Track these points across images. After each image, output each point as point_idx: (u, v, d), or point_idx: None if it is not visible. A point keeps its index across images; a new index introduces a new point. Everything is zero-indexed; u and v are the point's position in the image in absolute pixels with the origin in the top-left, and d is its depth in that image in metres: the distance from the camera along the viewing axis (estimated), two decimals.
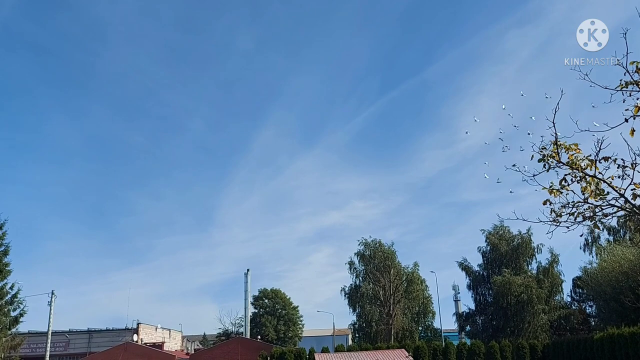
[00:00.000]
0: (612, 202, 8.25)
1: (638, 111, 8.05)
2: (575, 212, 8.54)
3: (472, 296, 58.92)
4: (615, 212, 8.45)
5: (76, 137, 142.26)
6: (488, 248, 58.18)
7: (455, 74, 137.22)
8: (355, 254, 61.30)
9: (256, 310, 77.07)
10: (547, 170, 8.37)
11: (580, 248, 56.08)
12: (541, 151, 8.47)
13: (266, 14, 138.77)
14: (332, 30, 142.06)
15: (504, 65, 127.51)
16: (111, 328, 65.03)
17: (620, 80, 8.05)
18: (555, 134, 8.25)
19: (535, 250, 56.53)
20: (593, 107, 8.77)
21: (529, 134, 8.88)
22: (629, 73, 7.98)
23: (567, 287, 57.80)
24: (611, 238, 52.97)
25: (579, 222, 8.55)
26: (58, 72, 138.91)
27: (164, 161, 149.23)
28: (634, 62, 7.90)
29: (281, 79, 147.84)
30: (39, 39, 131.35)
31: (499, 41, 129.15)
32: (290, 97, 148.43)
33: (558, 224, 8.54)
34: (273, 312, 76.72)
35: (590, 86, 8.24)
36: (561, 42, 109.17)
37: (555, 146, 8.30)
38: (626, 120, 8.05)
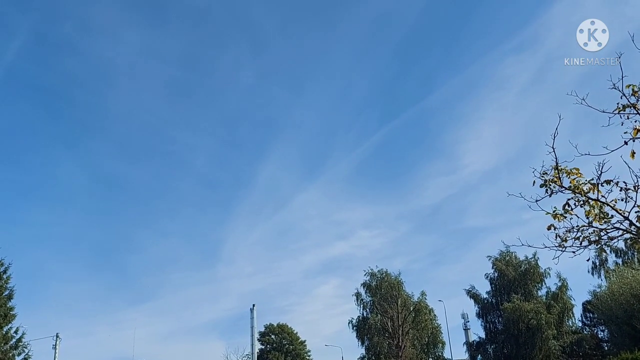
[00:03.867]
0: (617, 225, 8.20)
1: (637, 133, 8.10)
2: (581, 236, 8.49)
3: (481, 324, 58.15)
4: (620, 235, 8.40)
5: (81, 177, 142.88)
6: (495, 274, 57.64)
7: (455, 101, 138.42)
8: (361, 284, 60.82)
9: (263, 347, 75.93)
10: (550, 195, 8.37)
11: (589, 271, 55.55)
12: (542, 176, 8.48)
13: (267, 49, 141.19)
14: (331, 64, 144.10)
15: (503, 91, 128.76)
16: None
17: (617, 103, 8.12)
18: (556, 158, 8.28)
19: (544, 275, 56.01)
20: (600, 127, 8.83)
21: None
22: (626, 96, 8.05)
23: (577, 311, 57.09)
24: (619, 260, 52.47)
25: (585, 246, 8.50)
26: (63, 112, 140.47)
27: (169, 198, 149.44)
28: (630, 85, 7.99)
29: (283, 112, 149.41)
30: (43, 81, 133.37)
31: (497, 68, 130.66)
32: (293, 130, 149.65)
33: (564, 249, 8.49)
34: (280, 348, 75.53)
35: (588, 108, 8.30)
36: (557, 67, 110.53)
37: (557, 171, 8.31)
38: (625, 143, 8.08)
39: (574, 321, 55.44)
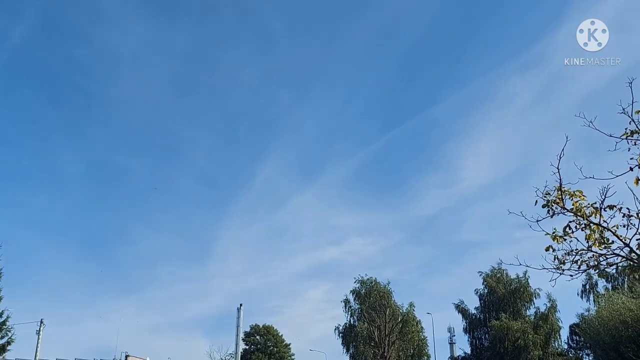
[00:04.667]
0: (617, 251, 8.09)
1: None
2: (579, 260, 8.38)
3: (468, 340, 58.07)
4: (620, 262, 8.29)
5: (79, 164, 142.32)
6: (485, 291, 57.58)
7: (457, 115, 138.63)
8: (351, 291, 60.65)
9: (247, 347, 75.57)
10: (551, 217, 8.25)
11: (578, 294, 55.60)
12: (545, 196, 8.37)
13: (273, 50, 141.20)
14: (336, 68, 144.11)
15: (506, 109, 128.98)
16: (98, 359, 63.61)
17: (626, 128, 8.03)
18: (560, 179, 8.16)
19: (533, 295, 55.99)
20: (606, 151, 8.74)
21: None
22: (634, 122, 7.96)
23: (564, 333, 57.10)
24: (609, 286, 52.45)
25: (583, 270, 8.39)
26: (65, 99, 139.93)
27: (165, 191, 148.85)
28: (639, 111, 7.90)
29: (285, 113, 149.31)
30: (47, 66, 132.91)
31: (501, 85, 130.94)
32: (293, 132, 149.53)
33: (562, 271, 8.37)
34: (264, 350, 75.18)
35: (595, 131, 8.20)
36: (562, 88, 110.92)
37: (560, 192, 8.20)
38: (631, 169, 7.99)
39: (560, 343, 55.47)
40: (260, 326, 77.33)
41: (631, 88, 7.84)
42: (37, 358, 46.91)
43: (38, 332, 45.94)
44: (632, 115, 7.94)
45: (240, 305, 72.71)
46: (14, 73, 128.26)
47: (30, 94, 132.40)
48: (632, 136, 8.00)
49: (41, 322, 46.00)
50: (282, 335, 77.67)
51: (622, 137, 8.10)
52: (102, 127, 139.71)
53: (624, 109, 8.02)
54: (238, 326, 71.43)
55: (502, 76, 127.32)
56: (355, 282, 60.45)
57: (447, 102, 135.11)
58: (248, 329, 76.46)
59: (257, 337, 76.66)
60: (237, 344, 70.58)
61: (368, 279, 60.26)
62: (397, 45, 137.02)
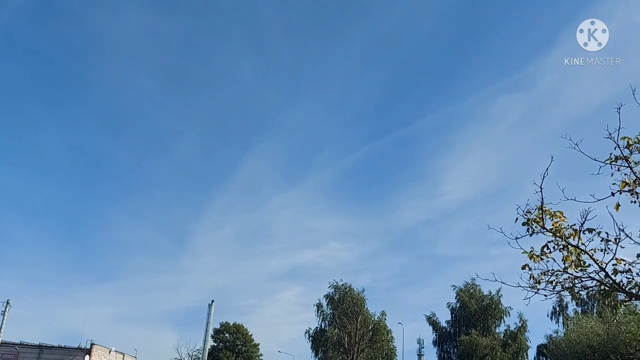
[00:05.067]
0: (593, 274, 8.10)
1: (624, 187, 8.04)
2: (555, 280, 8.37)
3: (437, 352, 58.30)
4: (594, 286, 8.30)
5: (61, 147, 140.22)
6: (458, 305, 57.91)
7: (445, 129, 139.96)
8: (324, 296, 60.53)
9: (215, 344, 74.97)
10: (531, 235, 8.24)
11: (548, 315, 56.16)
12: (526, 215, 8.36)
13: (268, 49, 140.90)
14: (330, 73, 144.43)
15: (493, 126, 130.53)
16: (64, 345, 62.41)
17: (610, 154, 8.07)
18: (542, 199, 8.16)
19: (504, 313, 56.46)
20: (589, 175, 8.76)
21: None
22: (619, 148, 8.00)
23: (531, 353, 57.60)
24: (579, 309, 53.11)
25: (558, 291, 8.38)
26: (52, 79, 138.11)
27: (146, 180, 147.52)
28: (625, 137, 7.94)
29: (275, 113, 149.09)
30: (37, 44, 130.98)
31: (490, 103, 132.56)
32: (281, 132, 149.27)
33: (537, 290, 8.36)
34: (232, 348, 74.66)
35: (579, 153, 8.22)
36: (549, 110, 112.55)
37: (541, 211, 8.20)
38: (612, 194, 8.02)
39: None
40: (231, 324, 76.86)
41: (619, 114, 7.88)
42: (0, 339, 45.92)
43: (3, 313, 45.02)
44: (617, 141, 7.99)
45: (212, 301, 72.16)
46: (2, 48, 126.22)
47: (16, 71, 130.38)
48: (616, 162, 8.04)
49: (7, 302, 45.09)
50: (251, 335, 77.34)
51: (606, 162, 8.13)
52: (88, 110, 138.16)
53: (610, 134, 8.06)
54: (208, 322, 70.83)
55: (492, 94, 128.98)
56: (329, 286, 60.45)
57: (436, 116, 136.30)
58: (218, 326, 75.96)
59: (227, 334, 76.13)
60: (205, 340, 69.96)
61: (342, 285, 60.28)
62: (392, 55, 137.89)
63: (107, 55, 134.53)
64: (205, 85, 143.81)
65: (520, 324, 54.78)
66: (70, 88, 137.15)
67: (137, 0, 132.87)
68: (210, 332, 72.01)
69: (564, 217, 8.17)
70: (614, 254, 7.90)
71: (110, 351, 64.77)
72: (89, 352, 59.30)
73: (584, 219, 7.90)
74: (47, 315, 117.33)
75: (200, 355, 69.85)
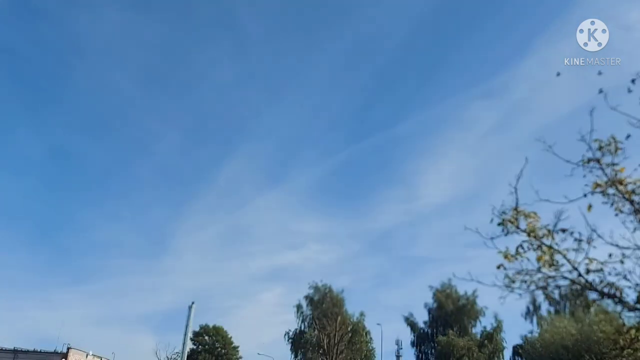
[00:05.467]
0: (566, 274, 8.28)
1: (596, 188, 8.25)
2: (529, 279, 8.53)
3: (415, 353, 58.73)
4: (567, 285, 8.48)
5: (38, 147, 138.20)
6: (435, 305, 58.45)
7: (421, 134, 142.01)
8: (304, 297, 60.48)
9: (195, 347, 74.30)
10: (506, 235, 8.39)
11: (522, 315, 56.88)
12: (501, 215, 8.51)
13: (248, 52, 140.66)
14: (309, 77, 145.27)
15: (467, 132, 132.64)
16: (39, 350, 61.26)
17: (583, 155, 8.26)
18: (517, 199, 8.32)
19: (479, 313, 57.13)
20: (562, 177, 8.95)
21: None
22: (592, 150, 8.20)
23: (507, 353, 58.31)
24: (552, 309, 53.95)
25: (532, 290, 8.54)
26: (27, 78, 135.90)
27: (125, 182, 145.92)
28: (597, 140, 8.14)
29: (254, 116, 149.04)
30: (11, 41, 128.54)
31: (465, 109, 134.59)
32: (261, 135, 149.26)
33: (511, 289, 8.50)
34: (212, 350, 74.04)
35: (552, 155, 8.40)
36: (521, 117, 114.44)
37: (515, 212, 8.35)
38: (585, 196, 8.22)
39: None
40: (210, 326, 76.21)
41: (591, 117, 8.09)
42: None
43: None
44: (590, 143, 8.19)
45: (192, 303, 71.69)
46: None
47: None
48: (589, 163, 8.24)
49: None
50: (231, 337, 76.75)
51: (578, 164, 8.33)
52: (64, 109, 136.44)
53: (582, 137, 8.26)
54: (187, 325, 70.37)
55: (466, 101, 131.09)
56: (309, 287, 60.39)
57: (412, 121, 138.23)
58: (197, 329, 75.30)
59: (206, 337, 75.46)
60: (184, 343, 69.47)
61: (322, 285, 60.30)
62: (370, 61, 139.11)
63: (87, 56, 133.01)
64: (186, 87, 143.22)
65: (495, 325, 55.57)
66: (48, 88, 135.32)
67: (117, 0, 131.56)
68: (190, 334, 71.42)
69: (538, 217, 8.34)
70: (586, 254, 8.10)
71: (87, 355, 63.80)
72: (65, 356, 58.37)
73: (557, 220, 8.08)
74: (22, 318, 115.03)
75: (179, 358, 69.25)
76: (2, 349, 60.18)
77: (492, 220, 8.51)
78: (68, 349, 59.74)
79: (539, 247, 8.33)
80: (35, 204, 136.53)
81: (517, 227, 8.41)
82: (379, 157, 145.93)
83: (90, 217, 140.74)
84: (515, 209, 8.40)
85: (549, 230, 8.18)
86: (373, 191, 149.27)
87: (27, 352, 60.48)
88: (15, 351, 59.90)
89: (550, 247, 8.22)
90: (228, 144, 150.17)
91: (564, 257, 8.20)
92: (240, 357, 77.09)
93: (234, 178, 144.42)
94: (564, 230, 8.14)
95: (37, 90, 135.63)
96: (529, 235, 8.33)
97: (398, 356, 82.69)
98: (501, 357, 55.77)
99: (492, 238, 8.52)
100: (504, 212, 8.51)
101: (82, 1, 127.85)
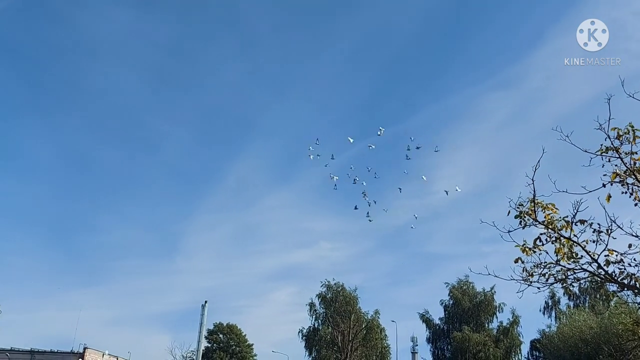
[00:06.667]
0: (585, 266, 8.10)
1: (615, 177, 8.05)
2: (547, 273, 8.37)
3: (430, 350, 58.40)
4: (587, 277, 8.30)
5: (49, 150, 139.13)
6: (451, 302, 58.05)
7: (434, 127, 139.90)
8: (317, 295, 60.40)
9: (209, 345, 74.66)
10: (523, 228, 8.22)
11: (540, 310, 56.43)
12: (518, 207, 8.34)
13: (255, 49, 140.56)
14: (318, 73, 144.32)
15: (482, 124, 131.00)
16: (56, 350, 61.83)
17: (601, 145, 8.07)
18: (534, 191, 8.15)
19: (497, 309, 56.69)
20: (580, 167, 8.75)
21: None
22: (610, 139, 8.00)
23: (524, 348, 57.84)
24: (572, 303, 53.41)
25: (551, 283, 8.38)
26: (39, 82, 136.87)
27: (136, 182, 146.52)
28: (616, 128, 7.94)
29: (263, 113, 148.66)
30: (24, 46, 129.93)
31: (479, 101, 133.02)
32: (270, 132, 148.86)
33: (529, 283, 8.34)
34: (226, 348, 74.37)
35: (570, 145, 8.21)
36: (537, 108, 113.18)
37: (533, 204, 8.18)
38: (604, 186, 8.03)
39: (520, 358, 56.20)
40: (224, 325, 76.52)
41: (609, 105, 7.88)
42: None
43: None
44: (607, 132, 7.99)
45: (205, 302, 71.80)
46: None
47: (3, 74, 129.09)
48: (607, 153, 8.04)
49: None
50: (245, 335, 77.00)
51: (597, 154, 8.13)
52: (76, 112, 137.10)
53: (600, 125, 8.06)
54: (202, 323, 70.48)
55: (480, 92, 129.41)
56: (322, 285, 60.34)
57: (425, 115, 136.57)
58: (211, 327, 75.61)
59: (220, 335, 75.78)
60: (199, 342, 69.61)
61: (335, 284, 60.21)
62: (380, 54, 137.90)
63: (97, 58, 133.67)
64: (193, 86, 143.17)
65: (512, 319, 55.07)
66: (57, 90, 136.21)
67: (123, 0, 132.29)
68: (204, 333, 71.70)
69: (556, 209, 8.17)
70: (606, 245, 7.91)
71: (103, 354, 64.29)
72: (82, 356, 58.81)
73: (575, 211, 7.91)
74: (38, 320, 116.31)
75: (194, 357, 69.56)
76: (19, 350, 60.81)
77: (508, 213, 8.36)
78: (84, 349, 60.22)
79: (558, 239, 8.17)
80: (47, 206, 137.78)
81: (535, 220, 8.25)
82: (390, 152, 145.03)
83: (103, 219, 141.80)
84: (533, 200, 8.24)
85: (567, 222, 8.01)
86: (385, 187, 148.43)
87: (43, 352, 61.05)
88: (32, 352, 60.49)
89: (569, 239, 8.05)
90: (237, 142, 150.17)
91: (583, 249, 8.04)
92: (255, 355, 77.38)
93: (244, 176, 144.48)
94: (582, 222, 7.97)
95: (47, 93, 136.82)
96: (547, 227, 8.17)
97: (414, 353, 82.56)
98: (518, 352, 55.35)
99: (509, 231, 8.38)
100: (521, 205, 8.35)
101: (91, 3, 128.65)
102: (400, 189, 39.45)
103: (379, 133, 38.89)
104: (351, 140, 36.93)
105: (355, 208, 36.75)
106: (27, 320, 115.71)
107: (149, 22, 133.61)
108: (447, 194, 42.04)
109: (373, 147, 36.59)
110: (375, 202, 35.48)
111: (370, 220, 36.68)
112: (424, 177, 41.37)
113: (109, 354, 65.56)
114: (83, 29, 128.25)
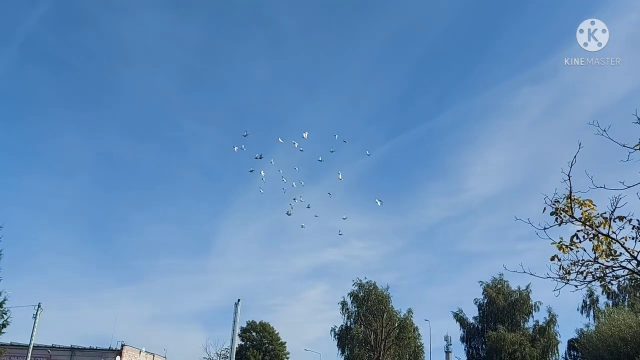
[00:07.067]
0: (624, 264, 7.91)
1: None
2: (585, 271, 8.20)
3: (464, 349, 57.79)
4: (626, 275, 8.11)
5: (85, 152, 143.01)
6: (485, 301, 57.31)
7: (466, 124, 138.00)
8: (348, 294, 60.45)
9: (243, 343, 75.55)
10: (559, 225, 8.07)
11: (578, 309, 55.20)
12: (554, 204, 8.19)
13: (285, 47, 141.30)
14: (347, 70, 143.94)
15: (515, 120, 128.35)
16: (95, 347, 63.55)
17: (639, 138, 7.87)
18: (570, 187, 7.99)
19: (533, 308, 55.70)
20: (618, 162, 8.57)
21: None
22: None
23: (562, 348, 56.70)
24: (610, 302, 52.04)
25: (589, 281, 8.20)
26: (75, 85, 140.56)
27: (170, 183, 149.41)
28: None
29: (293, 112, 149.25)
30: (59, 51, 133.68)
31: (512, 96, 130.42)
32: (300, 130, 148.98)
33: (567, 281, 8.19)
34: (260, 346, 75.13)
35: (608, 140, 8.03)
36: (574, 103, 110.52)
37: (569, 200, 8.02)
38: None
39: (557, 357, 55.11)
40: (257, 323, 77.31)
41: None
42: (33, 342, 46.98)
43: (35, 316, 45.98)
44: None
45: (238, 300, 72.61)
46: (26, 56, 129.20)
47: (40, 78, 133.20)
48: None
49: (38, 306, 46.02)
50: (277, 333, 77.64)
51: (635, 148, 7.93)
52: (110, 114, 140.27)
53: (639, 119, 7.86)
54: (235, 321, 71.27)
55: (514, 88, 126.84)
56: (353, 284, 60.35)
57: (457, 111, 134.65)
58: (245, 325, 76.50)
59: (254, 333, 76.60)
60: (233, 339, 70.43)
61: (367, 282, 60.12)
62: (410, 51, 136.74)
63: (128, 61, 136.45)
64: (224, 86, 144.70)
65: (549, 318, 54.00)
66: (93, 93, 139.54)
67: (153, 3, 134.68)
68: (238, 330, 72.55)
69: (594, 205, 7.99)
70: None
71: (140, 352, 65.75)
72: (119, 353, 60.27)
73: (614, 207, 7.72)
74: (77, 317, 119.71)
75: (228, 354, 70.47)
76: (60, 347, 62.68)
77: (544, 210, 8.22)
78: (122, 346, 61.70)
79: (595, 236, 7.99)
80: (86, 206, 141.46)
81: (572, 216, 8.09)
82: (423, 150, 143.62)
83: (138, 219, 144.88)
84: (569, 197, 8.07)
85: (605, 219, 7.83)
86: (417, 185, 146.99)
87: (83, 349, 62.79)
88: (72, 349, 62.30)
89: (607, 235, 7.87)
90: (267, 141, 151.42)
91: (622, 245, 7.85)
92: (288, 353, 77.92)
93: (275, 176, 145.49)
94: (621, 218, 7.78)
95: (82, 97, 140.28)
96: (584, 224, 8.00)
97: (448, 352, 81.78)
98: (556, 351, 54.29)
99: (544, 229, 8.23)
100: (557, 201, 8.20)
101: (122, 6, 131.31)
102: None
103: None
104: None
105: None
106: (67, 318, 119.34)
107: (179, 24, 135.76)
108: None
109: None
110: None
111: (289, 214, 37.20)
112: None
113: (145, 351, 67.01)
114: (115, 32, 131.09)
